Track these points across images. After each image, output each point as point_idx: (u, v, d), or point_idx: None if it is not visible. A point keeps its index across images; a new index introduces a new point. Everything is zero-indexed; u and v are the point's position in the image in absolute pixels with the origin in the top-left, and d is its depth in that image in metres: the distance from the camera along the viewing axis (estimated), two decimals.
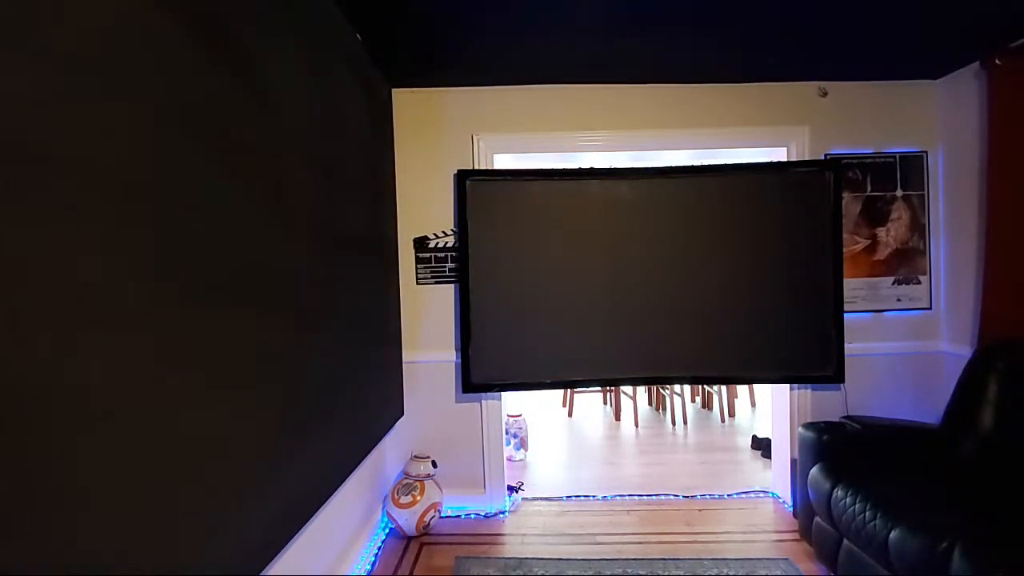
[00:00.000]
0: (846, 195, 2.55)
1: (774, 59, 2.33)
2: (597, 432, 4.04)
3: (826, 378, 2.52)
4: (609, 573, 2.07)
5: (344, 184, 1.78)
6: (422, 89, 2.58)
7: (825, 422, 2.24)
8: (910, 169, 2.59)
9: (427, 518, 2.40)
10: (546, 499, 2.78)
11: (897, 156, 2.59)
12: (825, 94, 2.58)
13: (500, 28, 1.98)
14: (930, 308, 2.62)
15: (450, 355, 2.61)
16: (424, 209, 2.60)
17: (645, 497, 2.77)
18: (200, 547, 0.93)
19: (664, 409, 4.45)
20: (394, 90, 2.55)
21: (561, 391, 4.68)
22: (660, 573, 2.06)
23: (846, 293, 2.52)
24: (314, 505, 1.49)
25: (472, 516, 2.62)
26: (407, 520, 2.37)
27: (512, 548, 2.31)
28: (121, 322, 0.77)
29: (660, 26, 1.99)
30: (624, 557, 2.18)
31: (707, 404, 4.61)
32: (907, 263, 2.60)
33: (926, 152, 2.60)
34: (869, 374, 2.60)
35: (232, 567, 1.02)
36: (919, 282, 2.61)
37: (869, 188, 2.59)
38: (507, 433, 3.27)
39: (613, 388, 4.51)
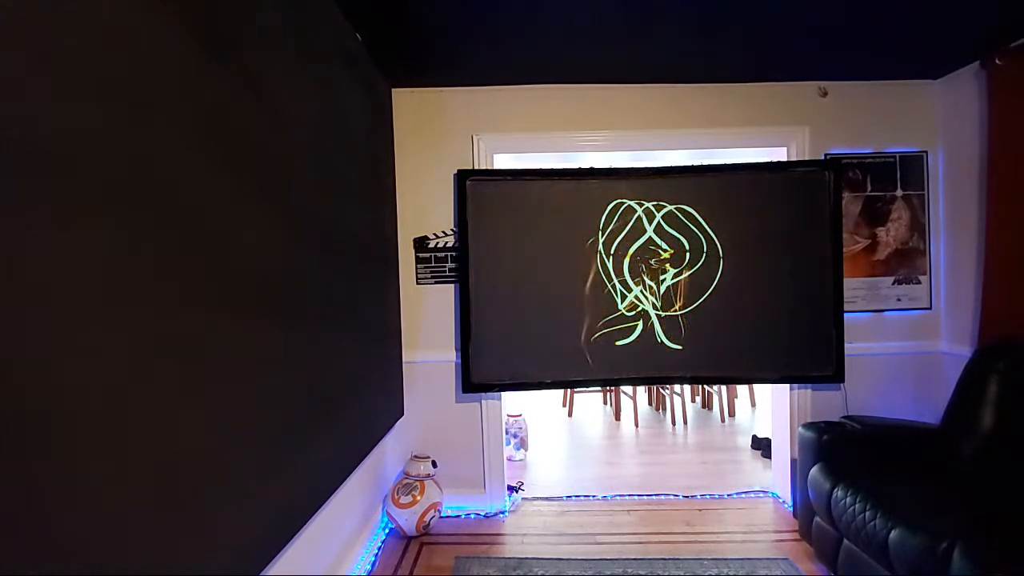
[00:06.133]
0: (846, 195, 2.55)
1: (774, 59, 2.33)
2: (597, 432, 4.04)
3: (826, 378, 2.52)
4: (609, 573, 2.07)
5: (344, 184, 1.78)
6: (422, 89, 2.58)
7: (825, 422, 2.24)
8: (910, 169, 2.59)
9: (427, 518, 2.40)
10: (546, 499, 2.78)
11: (897, 156, 2.59)
12: (825, 94, 2.58)
13: (500, 28, 1.98)
14: (930, 308, 2.62)
15: (450, 355, 2.61)
16: (424, 209, 2.60)
17: (645, 497, 2.77)
18: (200, 547, 0.93)
19: (664, 409, 4.45)
20: (394, 90, 2.55)
21: (561, 391, 4.69)
22: (660, 573, 2.06)
23: (846, 293, 2.52)
24: (314, 505, 1.49)
25: (472, 516, 2.62)
26: (407, 520, 2.37)
27: (512, 548, 2.31)
28: (121, 322, 0.77)
29: (660, 26, 1.99)
30: (624, 557, 2.18)
31: (707, 404, 4.61)
32: (907, 263, 2.60)
33: (926, 152, 2.60)
34: (869, 374, 2.60)
35: (232, 567, 1.02)
36: (919, 282, 2.61)
37: (869, 188, 2.59)
38: (507, 433, 3.27)
39: (613, 388, 4.51)
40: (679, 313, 2.53)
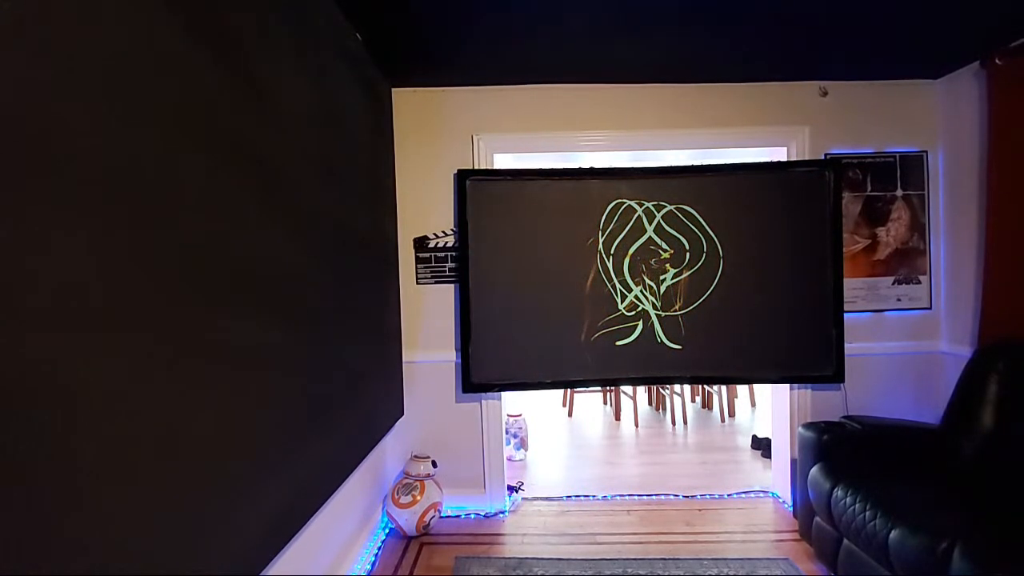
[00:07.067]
0: (846, 195, 2.55)
1: (774, 59, 2.33)
2: (597, 432, 4.04)
3: (826, 378, 2.52)
4: (609, 573, 2.07)
5: (344, 184, 1.78)
6: (422, 89, 2.58)
7: (825, 422, 2.24)
8: (910, 169, 2.59)
9: (427, 518, 2.40)
10: (546, 499, 2.78)
11: (897, 156, 2.59)
12: (825, 94, 2.58)
13: (500, 28, 1.98)
14: (930, 308, 2.61)
15: (450, 355, 2.61)
16: (424, 209, 2.60)
17: (645, 497, 2.77)
18: (200, 547, 0.93)
19: (664, 409, 4.45)
20: (394, 90, 2.55)
21: (561, 391, 4.69)
22: (660, 573, 2.06)
23: (846, 293, 2.52)
24: (314, 505, 1.49)
25: (472, 516, 2.62)
26: (407, 520, 2.37)
27: (512, 548, 2.31)
28: (120, 322, 0.77)
29: (660, 26, 1.99)
30: (624, 557, 2.18)
31: (707, 404, 4.61)
32: (907, 263, 2.60)
33: (926, 152, 2.60)
34: (869, 374, 2.60)
35: (232, 567, 1.02)
36: (919, 282, 2.61)
37: (869, 188, 2.59)
38: (507, 433, 3.27)
39: (613, 388, 4.51)
40: (679, 313, 2.53)
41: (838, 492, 1.90)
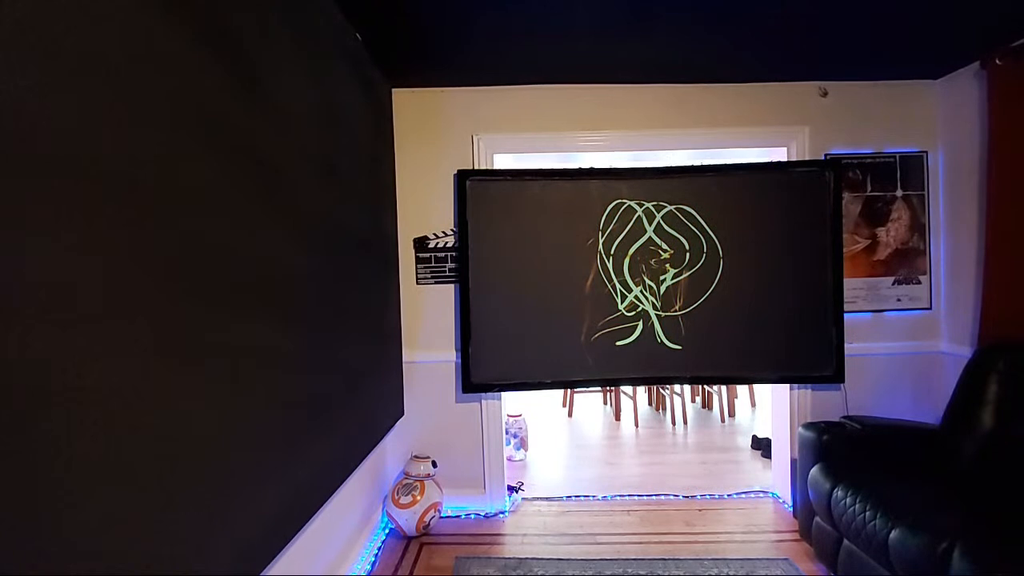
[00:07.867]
0: (846, 195, 2.55)
1: (774, 59, 2.33)
2: (597, 432, 4.04)
3: (826, 378, 2.52)
4: (609, 573, 2.07)
5: (344, 184, 1.78)
6: (422, 89, 2.58)
7: (825, 422, 2.23)
8: (910, 169, 2.60)
9: (427, 518, 2.40)
10: (546, 499, 2.78)
11: (897, 156, 2.59)
12: (825, 94, 2.58)
13: (500, 28, 1.98)
14: (930, 308, 2.62)
15: (450, 355, 2.61)
16: (424, 209, 2.60)
17: (645, 497, 2.77)
18: (200, 547, 0.93)
19: (664, 409, 4.45)
20: (394, 90, 2.55)
21: (561, 391, 4.69)
22: (660, 573, 2.06)
23: (846, 293, 2.52)
24: (314, 505, 1.49)
25: (472, 516, 2.62)
26: (407, 520, 2.37)
27: (512, 548, 2.31)
28: (121, 322, 0.77)
29: (660, 26, 1.99)
30: (624, 557, 2.18)
31: (707, 404, 4.61)
32: (907, 263, 2.60)
33: (926, 152, 2.60)
34: (869, 374, 2.60)
35: (232, 567, 1.02)
36: (919, 282, 2.61)
37: (869, 188, 2.59)
38: (507, 433, 3.27)
39: (613, 388, 4.51)
40: (679, 313, 2.53)
41: (838, 492, 1.90)
